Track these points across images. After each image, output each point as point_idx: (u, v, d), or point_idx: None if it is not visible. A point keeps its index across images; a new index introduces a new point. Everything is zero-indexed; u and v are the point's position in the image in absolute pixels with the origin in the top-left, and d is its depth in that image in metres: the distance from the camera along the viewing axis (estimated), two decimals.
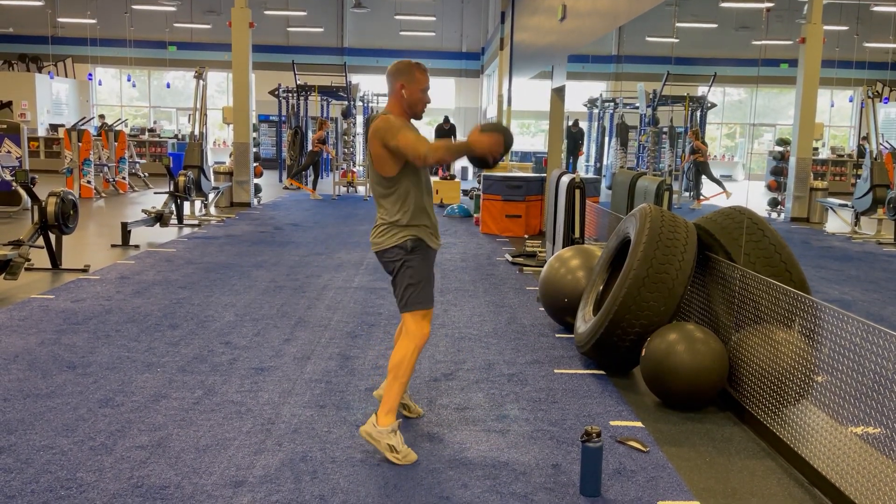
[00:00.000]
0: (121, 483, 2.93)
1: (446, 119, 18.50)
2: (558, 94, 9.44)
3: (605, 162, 17.81)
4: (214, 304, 5.86)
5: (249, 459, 3.17)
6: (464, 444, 3.40)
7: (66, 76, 23.80)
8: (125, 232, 8.52)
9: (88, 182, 13.47)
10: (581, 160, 18.61)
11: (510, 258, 8.11)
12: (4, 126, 11.23)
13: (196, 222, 10.58)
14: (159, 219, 9.32)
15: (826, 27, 13.24)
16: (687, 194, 14.68)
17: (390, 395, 3.24)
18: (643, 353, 3.98)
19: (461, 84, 25.17)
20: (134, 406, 3.73)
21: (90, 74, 23.91)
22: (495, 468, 3.16)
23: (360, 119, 18.26)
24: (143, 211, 9.38)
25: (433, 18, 23.80)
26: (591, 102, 18.96)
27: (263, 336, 5.04)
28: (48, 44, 23.51)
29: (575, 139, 17.81)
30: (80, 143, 13.20)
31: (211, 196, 11.61)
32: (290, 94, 18.23)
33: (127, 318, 5.36)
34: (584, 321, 4.60)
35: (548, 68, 9.82)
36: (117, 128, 15.76)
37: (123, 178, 15.23)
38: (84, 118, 16.91)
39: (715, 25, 20.20)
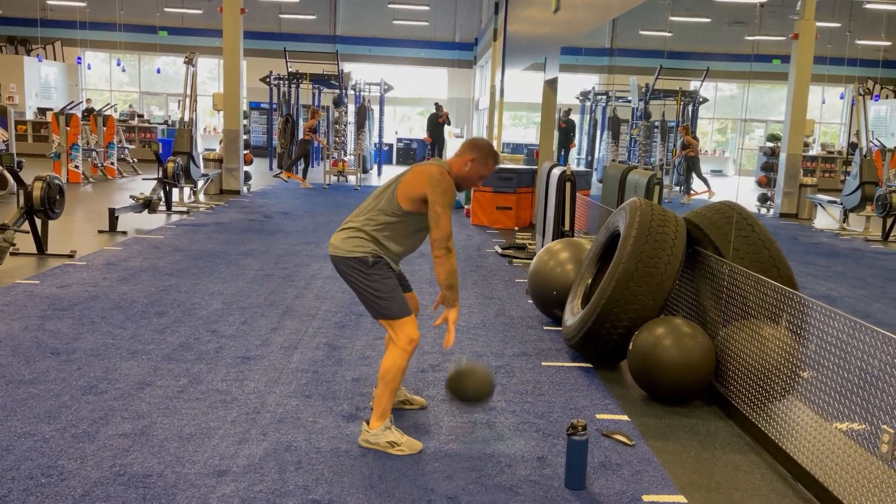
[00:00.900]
0: (102, 471, 2.90)
1: (438, 107, 18.35)
2: (551, 86, 9.41)
3: (596, 155, 17.81)
4: (202, 292, 5.82)
5: (233, 449, 3.15)
6: (449, 435, 3.39)
7: (55, 59, 23.56)
8: (112, 218, 8.46)
9: (76, 167, 13.36)
10: (573, 153, 18.60)
11: (500, 250, 8.10)
12: None
13: (185, 209, 10.51)
14: (147, 205, 9.24)
15: (819, 24, 13.23)
16: (678, 189, 14.71)
17: (381, 401, 3.21)
18: (631, 347, 3.98)
19: (454, 75, 25.08)
20: (118, 394, 3.70)
21: (79, 58, 23.68)
22: (480, 460, 3.15)
23: (351, 108, 18.15)
24: (132, 197, 9.30)
25: (427, 8, 23.69)
26: (584, 95, 18.95)
27: (250, 325, 5.01)
28: (37, 27, 23.25)
29: (566, 132, 17.79)
30: (68, 128, 13.08)
31: (200, 183, 11.53)
32: (282, 82, 18.12)
33: (113, 305, 5.31)
34: (573, 314, 4.60)
35: (541, 60, 9.79)
36: (106, 112, 15.61)
37: (112, 163, 15.11)
38: (72, 102, 16.75)
39: (709, 20, 20.21)
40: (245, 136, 13.34)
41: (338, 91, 17.10)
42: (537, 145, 22.68)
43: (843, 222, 11.55)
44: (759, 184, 14.47)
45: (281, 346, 4.59)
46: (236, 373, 4.08)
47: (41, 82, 22.43)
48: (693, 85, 18.08)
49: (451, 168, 3.26)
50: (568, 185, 6.08)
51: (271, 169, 18.30)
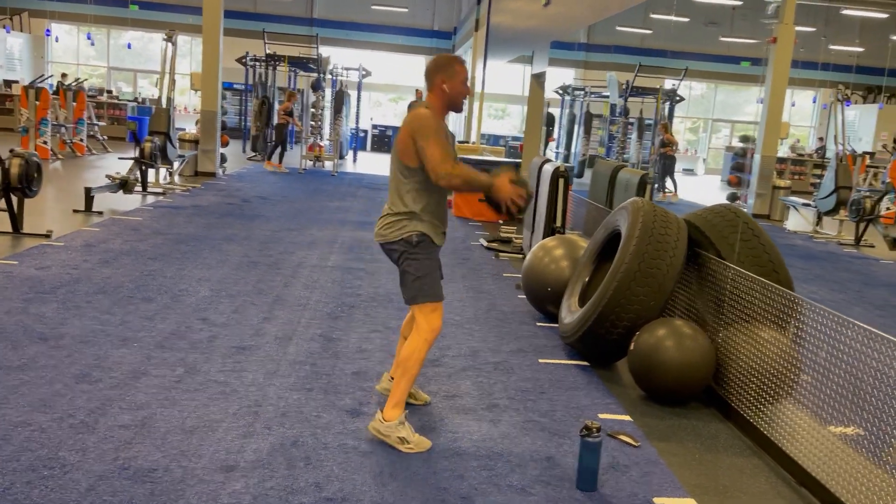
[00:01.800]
0: (105, 464, 2.82)
1: (419, 92, 18.19)
2: (538, 79, 9.40)
3: (573, 150, 17.88)
4: (187, 278, 5.70)
5: (239, 443, 3.09)
6: (456, 433, 3.37)
7: (22, 31, 22.85)
8: (88, 197, 8.24)
9: (45, 142, 12.99)
10: (551, 146, 18.65)
11: (485, 243, 8.08)
12: None
13: (161, 191, 10.29)
14: (124, 185, 9.03)
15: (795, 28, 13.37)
16: (654, 187, 14.86)
17: (398, 389, 3.18)
18: (632, 348, 3.99)
19: None
20: (113, 383, 3.60)
21: (48, 30, 22.99)
22: (490, 459, 3.13)
23: (328, 92, 17.94)
24: (107, 176, 9.07)
25: None
26: (564, 89, 19.00)
27: (241, 314, 4.92)
28: None
29: (546, 125, 17.83)
30: (37, 102, 12.70)
31: (176, 164, 11.30)
32: (258, 63, 17.82)
33: (97, 289, 5.18)
34: (570, 312, 4.60)
35: (528, 53, 9.76)
36: (76, 87, 15.19)
37: (81, 140, 14.73)
38: (42, 76, 16.28)
39: (687, 19, 20.38)
40: (222, 118, 13.09)
41: (316, 75, 16.89)
42: (513, 137, 22.73)
43: (817, 225, 11.77)
44: (730, 184, 14.72)
45: (275, 336, 4.52)
46: (233, 363, 4.00)
47: (6, 53, 21.75)
48: (668, 83, 18.24)
49: (431, 104, 3.21)
50: (561, 182, 6.08)
51: (245, 151, 18.03)
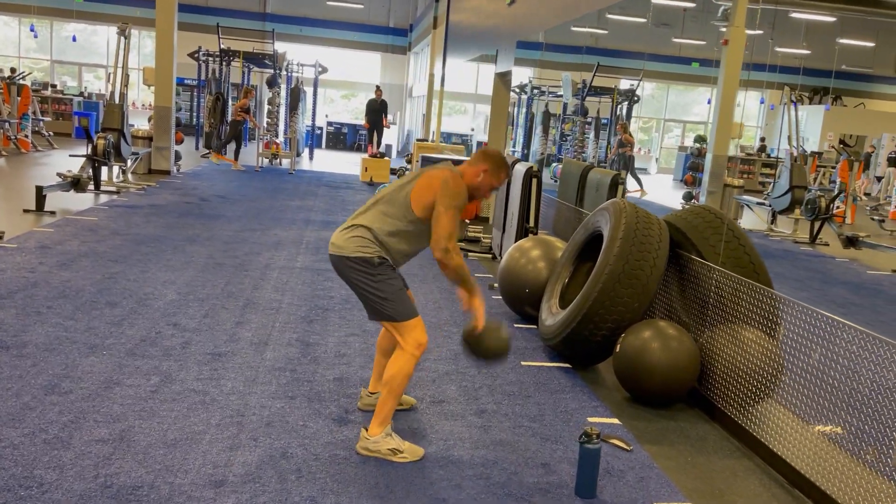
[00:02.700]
0: (86, 482, 2.67)
1: (378, 90, 17.98)
2: (503, 78, 9.37)
3: (532, 149, 17.95)
4: (152, 281, 5.50)
5: (226, 456, 2.96)
6: (447, 440, 3.30)
7: None
8: (40, 196, 7.90)
9: None
10: (509, 145, 18.70)
11: None
12: None
13: (115, 189, 9.95)
14: (76, 184, 8.69)
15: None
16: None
17: (385, 407, 3.07)
18: (617, 350, 3.98)
19: (387, 60, 24.77)
20: (84, 394, 3.42)
21: None
22: (485, 467, 3.07)
23: (284, 88, 17.63)
24: (59, 174, 8.72)
25: None
26: (521, 88, 19.05)
27: (213, 318, 4.76)
28: None
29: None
30: None
31: (129, 162, 10.94)
32: (211, 58, 17.41)
33: (57, 294, 4.95)
34: (552, 314, 4.57)
35: (491, 52, 9.72)
36: (21, 81, 14.60)
37: (26, 135, 14.17)
38: None
39: (643, 20, 20.65)
40: (175, 114, 12.74)
41: (271, 71, 16.58)
42: (467, 135, 22.69)
43: (772, 223, 12.03)
44: (686, 183, 14.94)
45: (250, 341, 4.38)
46: (209, 371, 3.85)
47: None
48: (623, 83, 18.45)
49: (464, 174, 3.16)
50: (534, 182, 6.05)
51: (198, 148, 17.60)
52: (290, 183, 12.92)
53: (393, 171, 15.00)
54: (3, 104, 13.46)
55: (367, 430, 3.10)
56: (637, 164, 21.06)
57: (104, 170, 10.07)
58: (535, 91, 18.54)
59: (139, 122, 15.28)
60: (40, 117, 15.56)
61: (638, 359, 3.85)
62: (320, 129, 22.42)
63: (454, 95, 24.14)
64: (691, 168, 14.33)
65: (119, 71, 10.50)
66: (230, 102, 16.93)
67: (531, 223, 6.14)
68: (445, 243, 3.02)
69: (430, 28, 17.41)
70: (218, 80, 17.34)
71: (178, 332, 4.40)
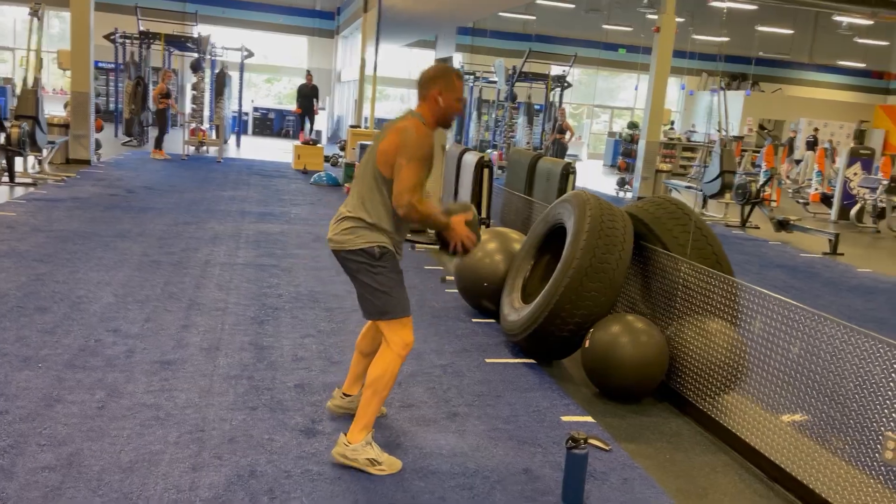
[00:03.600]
0: None
1: (309, 75, 17.46)
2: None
3: (467, 136, 17.84)
4: (84, 282, 5.13)
5: (189, 478, 2.74)
6: (423, 448, 3.15)
7: None
8: None
9: None
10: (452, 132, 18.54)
11: None
12: None
13: (31, 181, 9.33)
14: None
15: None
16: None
17: (367, 410, 2.90)
18: (586, 345, 3.91)
19: (314, 44, 24.16)
20: (23, 414, 3.12)
21: None
22: (466, 476, 2.94)
23: (208, 73, 16.95)
24: None
25: None
26: None
27: (156, 322, 4.46)
28: None
29: None
30: None
31: (45, 151, 10.28)
32: (129, 41, 16.57)
33: None
34: (514, 309, 4.47)
35: (430, 37, 9.53)
36: None
37: None
38: None
39: (573, 6, 20.75)
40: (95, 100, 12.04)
41: (195, 55, 15.90)
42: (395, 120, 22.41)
43: (703, 207, 12.30)
44: (620, 169, 15.16)
45: (199, 347, 4.11)
46: (159, 381, 3.58)
47: None
48: (553, 69, 18.53)
49: (423, 115, 2.95)
50: (486, 172, 5.93)
51: (117, 136, 16.77)
52: (219, 172, 12.42)
53: (326, 159, 14.65)
54: None
55: (346, 435, 2.93)
56: (570, 151, 21.26)
57: (18, 160, 9.42)
58: (468, 77, 18.42)
59: (53, 109, 14.43)
60: None
61: (608, 354, 3.79)
62: (246, 115, 21.72)
63: (385, 80, 23.79)
64: (624, 154, 14.53)
65: (32, 54, 9.82)
66: (151, 87, 16.17)
67: (484, 214, 6.02)
68: (408, 197, 2.81)
69: (359, 12, 17.01)
70: (137, 63, 16.51)
71: (119, 340, 4.10)
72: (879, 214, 11.64)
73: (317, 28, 24.00)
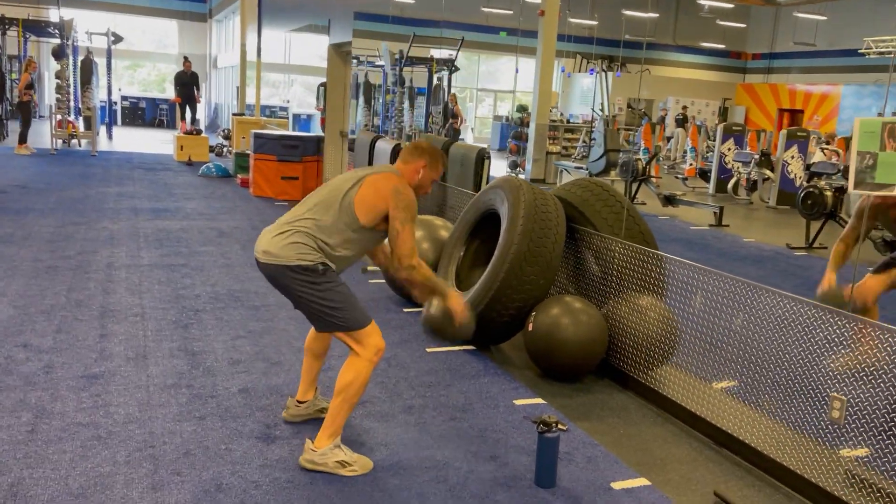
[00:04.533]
0: None
1: (187, 62, 16.55)
2: (338, 49, 9.00)
3: (356, 121, 17.60)
4: None
5: (151, 498, 2.56)
6: (388, 444, 3.10)
7: None
8: None
9: None
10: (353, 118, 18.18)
11: None
12: None
13: None
14: None
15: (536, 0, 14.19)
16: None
17: (337, 418, 2.80)
18: (529, 329, 3.96)
19: (185, 28, 23.04)
20: None
21: None
22: (438, 469, 2.92)
23: (72, 60, 15.80)
24: None
25: None
26: None
27: (69, 333, 4.13)
28: None
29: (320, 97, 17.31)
30: None
31: None
32: None
33: None
34: None
35: (322, 22, 9.30)
36: None
37: None
38: None
39: None
40: None
41: (56, 41, 14.76)
42: (279, 107, 21.77)
43: None
44: (511, 152, 15.43)
45: (125, 357, 3.85)
46: (90, 397, 3.33)
47: None
48: (433, 53, 18.55)
49: (404, 175, 2.94)
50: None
51: None
52: (96, 167, 11.65)
53: (211, 149, 14.05)
54: None
55: (312, 441, 2.83)
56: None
57: None
58: (353, 60, 18.14)
59: None
60: None
61: (551, 336, 3.86)
62: (115, 104, 20.46)
63: (270, 66, 23.08)
64: (515, 137, 14.80)
65: None
66: (7, 78, 14.89)
67: None
68: (410, 261, 2.84)
69: None
70: None
71: (33, 355, 3.77)
72: (752, 187, 12.48)
73: (188, 11, 22.89)
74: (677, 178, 14.93)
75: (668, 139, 21.48)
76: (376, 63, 18.17)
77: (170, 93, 22.99)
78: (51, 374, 3.56)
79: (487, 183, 6.06)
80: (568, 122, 22.66)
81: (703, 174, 14.19)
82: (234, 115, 14.45)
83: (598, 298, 4.24)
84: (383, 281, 5.34)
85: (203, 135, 13.81)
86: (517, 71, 24.34)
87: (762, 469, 3.06)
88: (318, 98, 17.46)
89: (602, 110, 13.34)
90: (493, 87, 27.74)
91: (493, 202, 4.46)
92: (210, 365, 3.82)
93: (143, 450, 2.90)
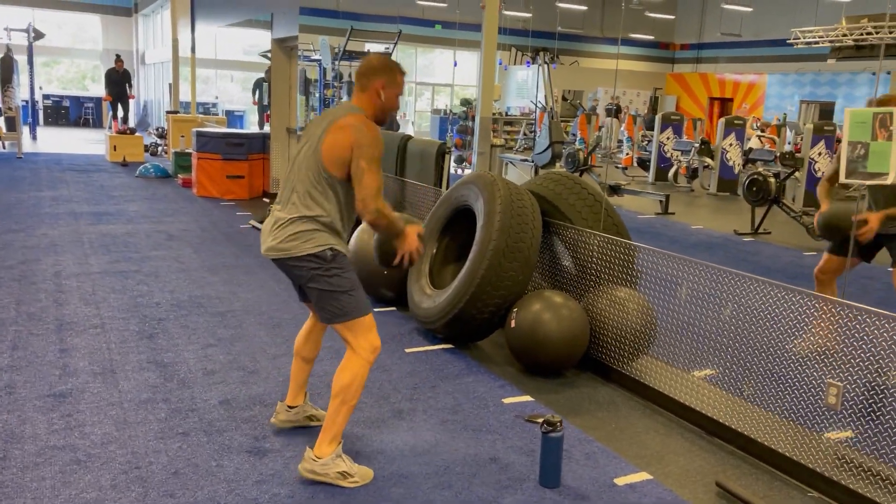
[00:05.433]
0: None
1: (119, 59, 15.90)
2: (282, 44, 8.78)
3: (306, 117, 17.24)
4: None
5: None
6: (384, 452, 3.02)
7: None
8: None
9: None
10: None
11: (258, 224, 7.43)
12: None
13: None
14: None
15: None
16: None
17: (336, 422, 2.70)
18: (512, 325, 3.93)
19: (109, 23, 22.14)
20: None
21: None
22: (439, 475, 2.86)
23: None
24: None
25: None
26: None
27: (26, 349, 3.89)
28: None
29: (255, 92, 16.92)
30: None
31: None
32: None
33: None
34: (426, 295, 4.39)
35: (263, 17, 9.06)
36: None
37: None
38: None
39: None
40: None
41: None
42: (211, 103, 21.16)
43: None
44: (456, 146, 15.38)
45: (92, 372, 3.64)
46: (61, 418, 3.13)
47: None
48: (368, 47, 18.34)
49: (365, 108, 2.77)
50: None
51: None
52: (24, 170, 11.08)
53: (146, 149, 13.55)
54: None
55: (313, 449, 2.72)
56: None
57: None
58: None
59: None
60: None
61: (534, 331, 3.83)
62: (37, 103, 19.53)
63: (205, 62, 22.39)
64: (460, 132, 14.75)
65: None
66: None
67: None
68: (374, 203, 2.64)
69: None
70: None
71: None
72: (692, 175, 12.78)
73: (111, 6, 21.99)
74: (617, 167, 15.17)
75: (600, 128, 21.82)
76: (312, 57, 17.84)
77: (93, 91, 22.12)
78: (13, 394, 3.34)
79: (448, 179, 6.01)
80: (506, 114, 22.76)
81: (642, 163, 14.45)
82: (168, 112, 13.95)
83: (576, 292, 4.24)
84: None
85: (137, 134, 13.29)
86: (455, 64, 24.37)
87: (755, 456, 3.10)
88: (253, 93, 17.05)
89: (546, 102, 13.41)
90: (430, 80, 27.65)
91: (467, 198, 4.40)
92: (184, 376, 3.65)
93: (128, 472, 2.73)
